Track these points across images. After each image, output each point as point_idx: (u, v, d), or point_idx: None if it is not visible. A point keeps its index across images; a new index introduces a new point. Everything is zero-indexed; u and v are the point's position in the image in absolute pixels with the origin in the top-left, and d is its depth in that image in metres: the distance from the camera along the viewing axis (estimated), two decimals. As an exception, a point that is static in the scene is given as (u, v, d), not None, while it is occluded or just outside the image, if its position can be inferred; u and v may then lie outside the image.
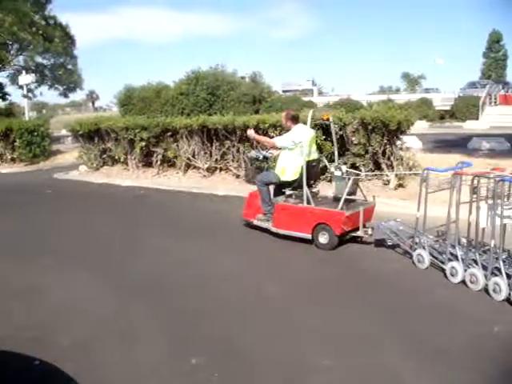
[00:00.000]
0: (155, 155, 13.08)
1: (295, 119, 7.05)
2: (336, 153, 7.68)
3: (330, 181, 8.94)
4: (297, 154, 6.71)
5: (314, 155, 7.06)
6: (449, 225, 5.38)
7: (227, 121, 11.76)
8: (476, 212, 4.92)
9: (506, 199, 4.81)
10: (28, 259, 6.45)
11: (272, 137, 9.04)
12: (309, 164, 6.67)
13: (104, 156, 14.40)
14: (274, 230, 6.92)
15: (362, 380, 3.53)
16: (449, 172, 5.50)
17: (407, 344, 3.96)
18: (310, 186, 6.85)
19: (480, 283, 4.87)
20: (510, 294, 4.62)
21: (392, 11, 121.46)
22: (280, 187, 7.07)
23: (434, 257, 5.53)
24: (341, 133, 10.07)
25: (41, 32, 24.81)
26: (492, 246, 4.87)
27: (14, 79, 26.24)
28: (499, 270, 4.74)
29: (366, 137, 10.05)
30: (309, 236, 6.54)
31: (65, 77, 27.84)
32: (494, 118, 29.93)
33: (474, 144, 17.45)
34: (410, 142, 11.93)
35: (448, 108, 34.17)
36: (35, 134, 17.09)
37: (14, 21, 23.23)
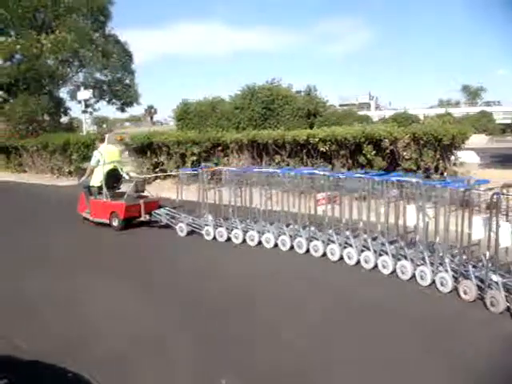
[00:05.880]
0: (205, 169, 13.17)
1: (103, 140, 9.97)
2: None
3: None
4: (101, 164, 9.17)
5: (116, 165, 9.49)
6: (205, 206, 8.26)
7: (277, 135, 11.71)
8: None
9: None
10: (68, 272, 6.57)
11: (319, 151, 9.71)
12: (111, 171, 9.31)
13: (156, 170, 14.62)
14: (91, 219, 9.38)
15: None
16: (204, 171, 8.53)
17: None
18: (114, 187, 9.42)
19: (240, 237, 7.80)
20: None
21: (451, 22, 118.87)
22: (100, 189, 9.30)
23: (192, 227, 8.34)
24: (391, 147, 9.80)
25: (100, 49, 25.75)
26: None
27: (73, 95, 27.23)
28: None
29: (417, 152, 9.72)
30: (107, 221, 9.06)
31: (122, 92, 28.66)
32: (559, 131, 28.57)
33: (537, 159, 16.68)
34: (467, 156, 11.49)
35: (510, 121, 32.99)
36: (91, 148, 17.58)
37: (75, 39, 24.27)
